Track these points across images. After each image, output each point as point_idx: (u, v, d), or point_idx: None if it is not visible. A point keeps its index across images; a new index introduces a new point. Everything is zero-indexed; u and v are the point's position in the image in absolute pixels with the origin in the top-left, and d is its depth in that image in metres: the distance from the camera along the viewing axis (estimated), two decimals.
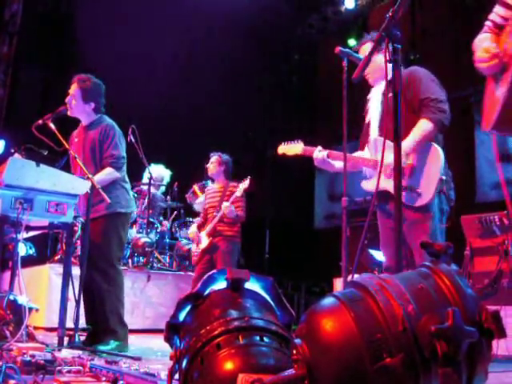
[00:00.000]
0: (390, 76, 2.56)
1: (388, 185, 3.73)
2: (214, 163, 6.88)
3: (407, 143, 3.77)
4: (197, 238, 6.72)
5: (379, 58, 3.89)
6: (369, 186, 4.12)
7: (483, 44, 2.78)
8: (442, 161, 3.81)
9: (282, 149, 4.52)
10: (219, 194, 6.70)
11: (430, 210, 3.80)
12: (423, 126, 3.82)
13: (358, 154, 4.27)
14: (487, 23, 2.93)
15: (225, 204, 6.40)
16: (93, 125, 5.16)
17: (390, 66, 2.56)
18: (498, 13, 2.85)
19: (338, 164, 4.30)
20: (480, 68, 2.76)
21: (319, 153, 4.18)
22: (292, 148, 4.43)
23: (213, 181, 7.07)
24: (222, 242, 6.49)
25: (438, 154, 3.83)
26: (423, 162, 3.83)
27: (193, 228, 6.97)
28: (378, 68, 4.02)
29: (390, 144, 3.62)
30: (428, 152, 3.85)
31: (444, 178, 3.83)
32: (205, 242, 6.56)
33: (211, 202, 6.76)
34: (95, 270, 4.77)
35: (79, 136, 5.21)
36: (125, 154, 5.17)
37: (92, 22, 8.77)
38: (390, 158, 3.40)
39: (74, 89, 5.10)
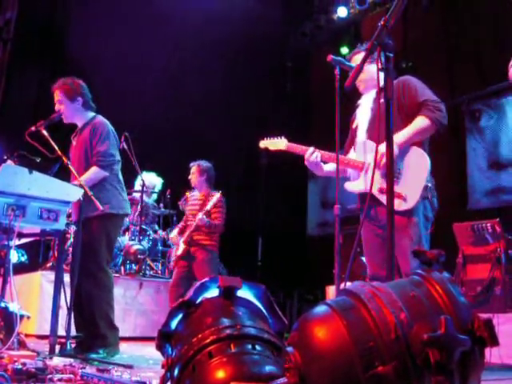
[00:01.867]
0: (381, 83, 2.57)
1: (373, 187, 3.73)
2: (194, 174, 6.86)
3: (400, 135, 3.78)
4: (177, 243, 6.73)
5: (372, 68, 3.91)
6: (352, 186, 4.09)
7: None
8: (429, 167, 3.83)
9: (263, 143, 4.48)
10: (200, 203, 6.71)
11: (415, 216, 3.79)
12: (419, 122, 3.83)
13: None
14: None
15: (198, 216, 6.40)
16: (86, 125, 5.16)
17: (381, 74, 2.57)
18: None
19: (327, 167, 4.29)
20: None
21: (313, 154, 4.13)
22: (275, 143, 4.38)
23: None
24: (199, 251, 6.50)
25: (424, 160, 3.86)
26: (409, 167, 3.84)
27: (174, 232, 6.95)
28: (370, 77, 4.04)
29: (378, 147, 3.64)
30: (414, 158, 3.87)
31: (429, 185, 3.84)
32: (181, 248, 6.56)
33: (191, 210, 6.75)
34: (84, 273, 4.69)
35: (75, 139, 5.21)
36: (114, 152, 5.07)
37: (87, 29, 8.77)
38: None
39: (57, 95, 5.11)
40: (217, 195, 6.57)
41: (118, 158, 5.13)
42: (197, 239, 6.52)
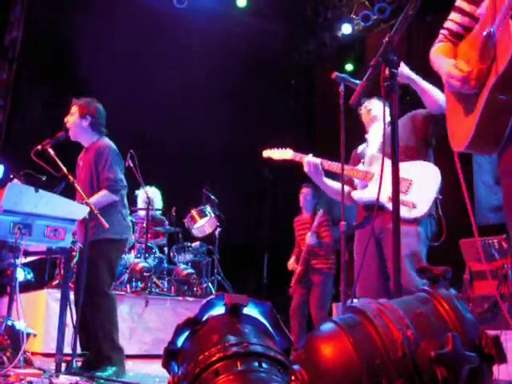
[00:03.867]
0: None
1: (381, 196, 3.70)
2: (308, 195, 7.02)
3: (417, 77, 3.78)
4: (295, 270, 6.92)
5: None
6: (360, 195, 4.07)
7: (450, 61, 2.66)
8: (440, 181, 3.82)
9: (267, 152, 4.51)
10: (309, 226, 6.83)
11: (419, 228, 3.75)
12: (436, 89, 3.77)
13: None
14: (442, 31, 2.85)
15: (307, 235, 6.54)
16: (91, 146, 5.18)
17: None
18: (454, 20, 2.76)
19: (329, 182, 4.27)
20: (451, 84, 2.61)
21: (311, 158, 4.16)
22: (280, 153, 4.41)
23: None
24: (316, 276, 6.70)
25: (436, 173, 3.85)
26: (420, 179, 3.83)
27: (290, 260, 7.14)
28: None
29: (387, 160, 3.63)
30: (426, 170, 3.87)
31: (440, 197, 3.83)
32: (298, 272, 6.79)
33: (302, 235, 6.93)
34: (86, 297, 4.67)
35: (81, 160, 5.23)
36: (122, 177, 5.12)
37: (92, 47, 8.83)
38: (386, 171, 3.43)
39: (73, 108, 5.18)
40: (320, 213, 6.66)
41: (125, 183, 5.16)
42: (314, 264, 6.71)
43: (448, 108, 2.80)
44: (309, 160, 4.18)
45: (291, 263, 7.03)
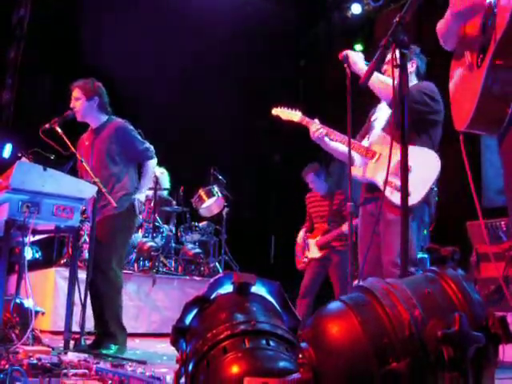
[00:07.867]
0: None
1: (378, 177, 3.73)
2: (313, 182, 6.84)
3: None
4: (303, 244, 6.82)
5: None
6: (356, 172, 4.04)
7: None
8: (438, 171, 3.76)
9: (276, 111, 4.50)
10: (327, 203, 6.71)
11: (411, 216, 3.65)
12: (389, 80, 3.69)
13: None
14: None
15: (344, 227, 6.27)
16: (103, 126, 5.20)
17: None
18: None
19: (334, 144, 4.23)
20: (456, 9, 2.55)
21: (319, 129, 4.14)
22: (288, 113, 4.40)
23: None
24: (333, 254, 6.57)
25: (435, 163, 3.80)
26: (418, 167, 3.70)
27: (300, 234, 7.00)
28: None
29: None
30: (426, 158, 3.81)
31: (435, 189, 3.78)
32: (314, 251, 6.66)
33: (319, 211, 6.76)
34: (95, 269, 4.71)
35: (89, 139, 5.23)
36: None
37: (101, 24, 8.80)
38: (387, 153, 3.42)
39: (76, 92, 5.16)
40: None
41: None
42: (332, 245, 6.59)
43: (453, 85, 2.75)
44: (314, 130, 4.15)
45: (301, 237, 6.90)
